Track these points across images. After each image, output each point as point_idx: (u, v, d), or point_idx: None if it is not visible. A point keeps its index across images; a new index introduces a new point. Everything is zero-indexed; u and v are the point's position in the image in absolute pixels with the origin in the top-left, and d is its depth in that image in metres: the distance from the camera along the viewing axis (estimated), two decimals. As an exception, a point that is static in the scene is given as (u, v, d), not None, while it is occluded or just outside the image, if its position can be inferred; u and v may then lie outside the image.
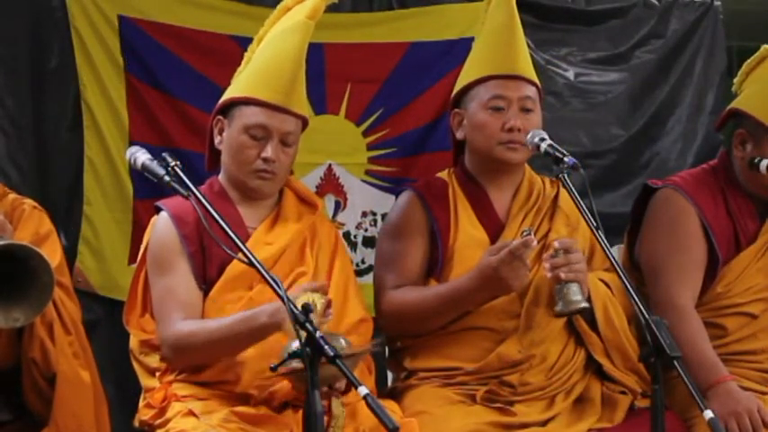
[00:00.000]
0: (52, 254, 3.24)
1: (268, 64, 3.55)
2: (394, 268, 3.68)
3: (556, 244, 3.51)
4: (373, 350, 3.41)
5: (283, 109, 3.51)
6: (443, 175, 3.81)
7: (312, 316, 2.87)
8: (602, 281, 3.66)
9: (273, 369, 2.95)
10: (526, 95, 3.70)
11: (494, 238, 3.68)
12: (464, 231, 3.67)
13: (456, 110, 3.78)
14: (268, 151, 3.49)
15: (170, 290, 3.43)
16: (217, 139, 3.58)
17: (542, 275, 3.56)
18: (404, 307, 3.61)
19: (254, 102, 3.50)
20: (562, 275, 3.46)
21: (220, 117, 3.57)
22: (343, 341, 3.21)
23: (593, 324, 3.63)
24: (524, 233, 3.48)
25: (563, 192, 3.73)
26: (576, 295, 3.47)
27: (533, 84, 3.74)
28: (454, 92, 3.80)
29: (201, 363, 3.40)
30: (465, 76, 3.78)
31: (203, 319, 3.40)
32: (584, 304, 3.49)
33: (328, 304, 3.22)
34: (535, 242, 3.47)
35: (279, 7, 3.64)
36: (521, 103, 3.68)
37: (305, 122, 3.60)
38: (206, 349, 3.35)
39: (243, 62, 3.63)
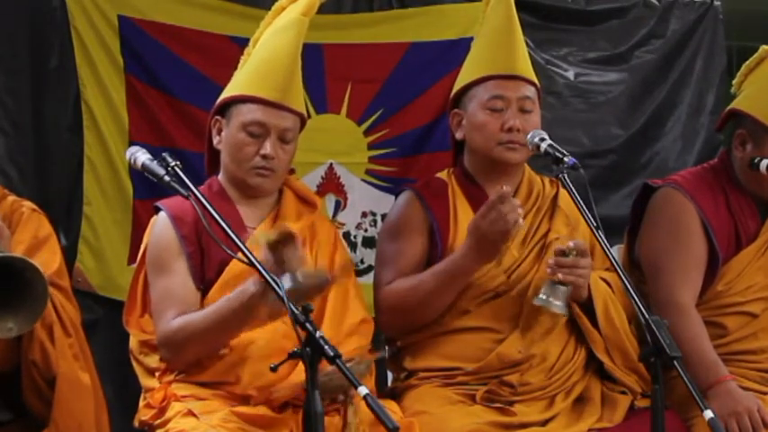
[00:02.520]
0: (51, 257, 3.24)
1: (264, 62, 3.55)
2: (393, 267, 3.68)
3: (570, 244, 3.50)
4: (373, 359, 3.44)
5: (280, 105, 3.51)
6: (443, 175, 3.81)
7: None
8: (602, 280, 3.66)
9: (273, 369, 2.95)
10: (525, 95, 3.70)
11: (493, 238, 3.67)
12: (463, 231, 3.65)
13: (455, 110, 3.79)
14: (267, 148, 3.49)
15: (168, 290, 3.43)
16: (215, 140, 3.58)
17: (542, 276, 3.57)
18: (402, 294, 3.60)
19: (251, 99, 3.51)
20: (560, 276, 3.47)
21: (218, 117, 3.57)
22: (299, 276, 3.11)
23: (594, 321, 3.63)
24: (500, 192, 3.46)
25: (563, 192, 3.73)
26: (558, 299, 3.48)
27: (532, 84, 3.74)
28: (453, 92, 3.80)
29: (199, 355, 3.38)
30: (464, 77, 3.79)
31: (192, 312, 3.39)
32: (562, 311, 3.51)
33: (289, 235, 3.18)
34: (509, 191, 3.46)
35: (273, 9, 3.65)
36: (520, 103, 3.68)
37: (303, 120, 3.60)
38: (199, 338, 3.33)
39: (239, 64, 3.63)
